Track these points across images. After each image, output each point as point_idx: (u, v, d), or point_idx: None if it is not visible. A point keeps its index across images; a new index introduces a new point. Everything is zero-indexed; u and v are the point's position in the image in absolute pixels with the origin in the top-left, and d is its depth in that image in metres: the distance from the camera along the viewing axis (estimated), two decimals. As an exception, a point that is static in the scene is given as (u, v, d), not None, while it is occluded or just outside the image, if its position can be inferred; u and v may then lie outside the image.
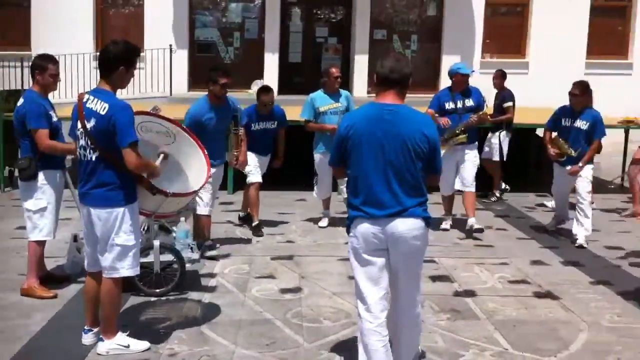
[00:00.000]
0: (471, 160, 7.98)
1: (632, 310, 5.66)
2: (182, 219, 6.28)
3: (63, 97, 10.90)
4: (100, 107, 4.35)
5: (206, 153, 5.61)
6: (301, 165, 8.97)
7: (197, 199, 6.70)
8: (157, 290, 5.70)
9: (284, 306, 5.58)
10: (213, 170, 6.35)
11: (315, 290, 5.99)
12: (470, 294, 5.98)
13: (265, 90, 7.94)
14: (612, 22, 16.25)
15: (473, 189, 8.02)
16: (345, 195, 6.82)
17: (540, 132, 11.28)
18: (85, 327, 4.75)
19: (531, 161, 11.58)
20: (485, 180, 10.10)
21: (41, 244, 5.73)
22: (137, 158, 4.37)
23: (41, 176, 5.58)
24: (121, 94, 4.64)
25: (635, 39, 15.83)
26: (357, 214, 3.92)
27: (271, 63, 15.38)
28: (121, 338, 4.63)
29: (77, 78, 12.86)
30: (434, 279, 6.35)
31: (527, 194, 10.57)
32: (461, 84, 7.89)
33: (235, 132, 7.18)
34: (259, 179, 7.91)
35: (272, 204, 9.23)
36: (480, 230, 7.80)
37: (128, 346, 4.61)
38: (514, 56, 15.74)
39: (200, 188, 5.61)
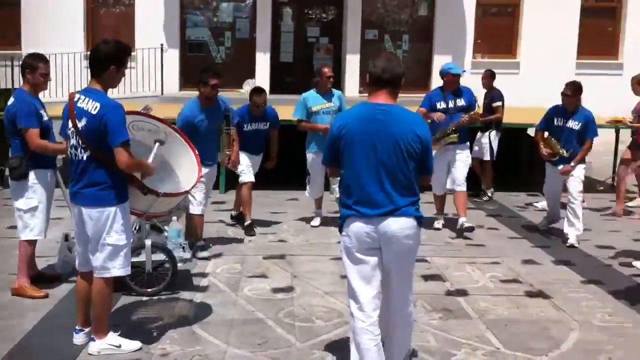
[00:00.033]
0: (463, 160, 8.00)
1: (623, 310, 5.68)
2: (174, 218, 6.27)
3: (54, 97, 10.86)
4: (91, 106, 4.34)
5: (197, 153, 5.60)
6: (293, 164, 8.96)
7: (190, 198, 6.68)
8: (149, 290, 5.69)
9: (276, 306, 5.58)
10: (205, 170, 6.34)
11: (307, 290, 5.99)
12: (462, 293, 5.99)
13: (257, 91, 7.93)
14: (603, 23, 16.34)
15: (464, 189, 8.04)
16: (337, 195, 6.83)
17: (531, 131, 11.35)
18: (77, 327, 4.73)
19: (522, 161, 11.61)
20: (475, 179, 10.15)
21: (32, 243, 5.71)
22: (129, 157, 4.35)
23: (32, 175, 5.55)
24: (112, 93, 4.63)
25: (625, 40, 15.91)
26: (349, 213, 3.92)
27: (262, 63, 15.38)
28: (112, 338, 4.62)
29: (68, 77, 12.82)
30: (426, 278, 6.35)
31: (518, 193, 10.61)
32: (452, 84, 7.90)
33: (227, 131, 7.17)
34: (252, 179, 7.90)
35: (265, 203, 9.22)
36: (471, 229, 7.82)
37: (119, 346, 4.59)
38: (505, 56, 15.80)
39: (192, 188, 5.60)
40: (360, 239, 3.89)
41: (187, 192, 5.60)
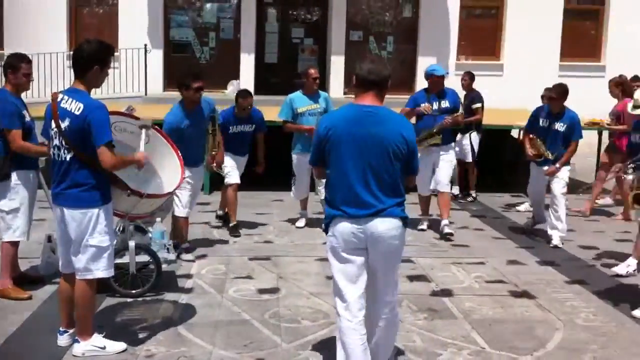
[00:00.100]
0: (447, 161, 8.02)
1: (607, 309, 5.72)
2: (158, 219, 6.23)
3: (36, 97, 10.76)
4: (74, 106, 4.30)
5: (180, 154, 5.58)
6: (279, 165, 8.95)
7: (176, 200, 6.65)
8: (133, 291, 5.65)
9: (262, 306, 5.56)
10: (190, 173, 6.30)
11: (293, 291, 5.98)
12: (448, 293, 6.01)
13: (243, 94, 7.90)
14: (585, 25, 16.48)
15: (447, 190, 8.06)
16: (323, 196, 6.82)
17: (515, 133, 11.42)
18: (61, 329, 4.68)
19: (505, 162, 11.68)
20: (459, 181, 10.21)
21: (15, 244, 5.66)
22: (113, 157, 4.32)
23: (14, 176, 5.50)
24: (95, 93, 4.59)
25: (607, 42, 16.04)
26: (336, 213, 3.93)
27: (247, 63, 15.34)
28: (97, 339, 4.58)
29: (51, 77, 12.71)
30: (412, 278, 6.36)
31: (502, 194, 10.66)
32: (437, 86, 7.92)
33: (213, 133, 7.12)
34: (237, 180, 7.87)
35: (250, 204, 9.20)
36: (450, 235, 7.83)
37: (104, 347, 4.56)
38: (488, 58, 15.87)
39: (175, 189, 5.57)
40: (347, 239, 3.90)
41: (171, 193, 5.58)
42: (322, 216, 4.57)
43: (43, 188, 5.93)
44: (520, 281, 6.39)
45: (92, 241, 4.41)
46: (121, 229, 5.68)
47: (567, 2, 15.95)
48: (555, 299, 5.92)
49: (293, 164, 8.11)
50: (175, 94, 7.20)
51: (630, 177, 5.88)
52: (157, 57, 15.03)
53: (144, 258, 5.71)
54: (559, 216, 7.65)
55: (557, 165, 7.55)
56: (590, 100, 10.66)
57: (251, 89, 11.76)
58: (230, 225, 7.89)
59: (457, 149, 10.11)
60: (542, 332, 5.17)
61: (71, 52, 4.60)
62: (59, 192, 4.42)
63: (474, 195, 10.29)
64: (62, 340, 4.66)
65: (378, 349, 4.11)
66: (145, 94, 14.45)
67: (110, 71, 4.62)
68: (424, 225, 8.31)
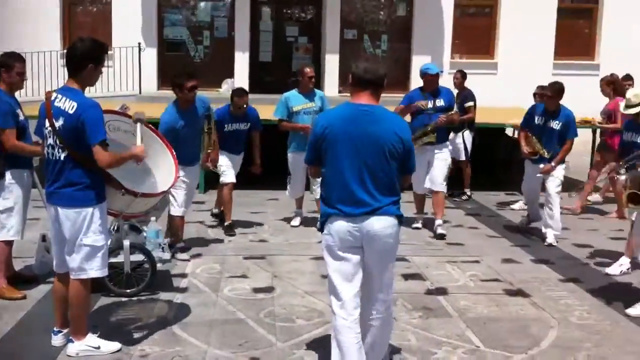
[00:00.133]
0: (441, 160, 8.01)
1: (601, 307, 5.74)
2: (153, 218, 6.22)
3: (30, 96, 10.73)
4: (68, 105, 4.29)
5: (174, 153, 5.56)
6: (274, 164, 8.93)
7: (171, 199, 6.64)
8: (128, 291, 5.63)
9: (257, 305, 5.55)
10: (182, 172, 6.28)
11: (288, 290, 5.97)
12: (442, 292, 6.01)
13: (239, 93, 7.88)
14: (579, 24, 16.51)
15: (442, 189, 8.05)
16: (318, 196, 6.81)
17: (509, 131, 11.44)
18: (55, 328, 4.67)
19: (500, 160, 11.69)
20: (455, 180, 10.19)
21: (9, 243, 5.65)
22: (108, 155, 4.30)
23: (8, 175, 5.49)
24: (89, 92, 4.57)
25: (601, 41, 16.07)
26: (332, 211, 3.93)
27: (241, 62, 15.30)
28: (91, 339, 4.57)
29: (45, 76, 12.67)
30: (407, 277, 6.37)
31: (497, 192, 10.68)
32: (431, 84, 7.92)
33: (209, 131, 7.11)
34: (233, 179, 7.85)
35: (245, 203, 9.18)
36: (443, 236, 7.84)
37: (98, 347, 4.55)
38: (482, 57, 15.89)
39: (170, 188, 5.55)
40: (343, 237, 3.91)
41: (165, 192, 5.56)
42: (317, 215, 4.58)
43: (37, 187, 5.91)
44: (515, 279, 6.40)
45: (87, 240, 4.39)
46: (116, 228, 5.66)
47: (561, 0, 15.97)
48: (550, 297, 5.94)
49: (288, 163, 8.10)
50: (170, 93, 7.17)
51: (623, 177, 5.90)
52: (151, 56, 14.98)
53: (138, 257, 5.70)
54: (554, 215, 7.66)
55: (553, 163, 7.56)
56: (584, 98, 10.66)
57: (245, 87, 11.72)
58: (225, 224, 7.88)
59: (450, 147, 10.13)
60: (536, 331, 5.18)
61: (65, 51, 4.59)
62: (53, 191, 4.41)
63: (468, 193, 10.31)
64: (57, 340, 4.65)
65: (372, 348, 4.11)
66: (140, 92, 14.41)
67: (104, 70, 4.60)
68: (419, 224, 8.31)
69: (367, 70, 3.95)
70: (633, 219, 6.31)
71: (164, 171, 5.46)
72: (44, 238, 6.15)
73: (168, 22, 15.64)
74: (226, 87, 14.34)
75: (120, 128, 5.17)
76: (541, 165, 7.64)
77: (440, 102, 7.91)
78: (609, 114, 9.37)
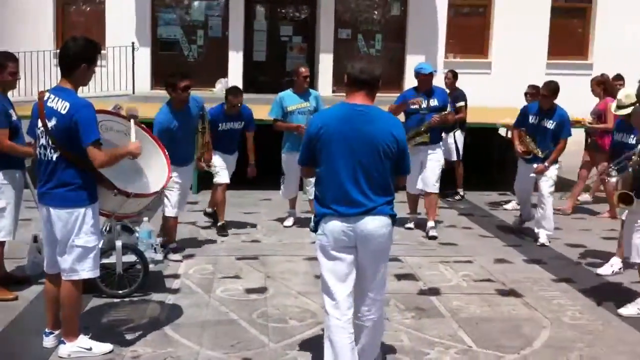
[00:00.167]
0: (435, 161, 7.99)
1: (593, 308, 5.75)
2: (145, 218, 6.21)
3: (23, 95, 10.70)
4: (61, 105, 4.27)
5: (166, 153, 5.55)
6: (267, 164, 8.93)
7: (165, 200, 6.63)
8: (120, 292, 5.62)
9: (250, 306, 5.55)
10: (175, 173, 6.27)
11: (280, 290, 5.97)
12: (435, 292, 6.02)
13: (234, 92, 7.86)
14: (573, 23, 16.54)
15: (435, 190, 8.02)
16: (311, 196, 6.80)
17: (502, 131, 11.44)
18: (46, 330, 4.66)
19: (493, 160, 11.70)
20: (447, 179, 10.19)
21: (0, 244, 5.62)
22: (103, 154, 4.29)
23: (0, 176, 5.47)
24: (82, 92, 4.56)
25: (595, 40, 16.11)
26: (326, 211, 3.94)
27: (235, 61, 15.29)
28: (83, 340, 4.56)
29: (38, 76, 12.63)
30: (399, 277, 6.37)
31: (490, 192, 10.69)
32: (425, 84, 7.91)
33: (203, 131, 7.10)
34: (227, 180, 7.84)
35: (238, 203, 9.18)
36: (434, 238, 7.84)
37: (90, 349, 4.54)
38: (476, 56, 15.90)
39: (162, 188, 5.54)
40: (337, 237, 3.91)
41: (158, 192, 5.55)
42: (311, 215, 4.58)
43: (29, 187, 5.89)
44: (507, 279, 6.41)
45: (78, 241, 4.38)
46: (108, 228, 5.65)
47: (554, 0, 16.00)
48: (542, 297, 5.95)
49: (282, 163, 8.09)
50: (163, 92, 7.16)
51: (614, 179, 5.91)
52: (144, 55, 14.96)
53: (130, 258, 5.69)
54: (546, 215, 7.67)
55: (546, 163, 7.57)
56: (578, 98, 10.67)
57: (240, 86, 11.73)
58: (218, 224, 7.87)
59: (442, 148, 10.14)
60: (529, 331, 5.19)
61: (58, 51, 4.57)
62: (45, 192, 4.39)
63: (461, 193, 10.32)
64: (48, 341, 4.64)
65: (365, 348, 4.11)
66: (133, 92, 14.37)
67: (97, 69, 4.59)
68: (412, 224, 8.31)
69: (363, 70, 3.95)
70: (624, 218, 6.33)
71: (157, 171, 5.45)
72: (35, 239, 6.13)
73: (162, 22, 15.62)
74: (220, 87, 14.32)
75: (113, 128, 5.16)
76: (535, 165, 7.65)
77: (434, 102, 7.91)
78: (599, 114, 9.38)
